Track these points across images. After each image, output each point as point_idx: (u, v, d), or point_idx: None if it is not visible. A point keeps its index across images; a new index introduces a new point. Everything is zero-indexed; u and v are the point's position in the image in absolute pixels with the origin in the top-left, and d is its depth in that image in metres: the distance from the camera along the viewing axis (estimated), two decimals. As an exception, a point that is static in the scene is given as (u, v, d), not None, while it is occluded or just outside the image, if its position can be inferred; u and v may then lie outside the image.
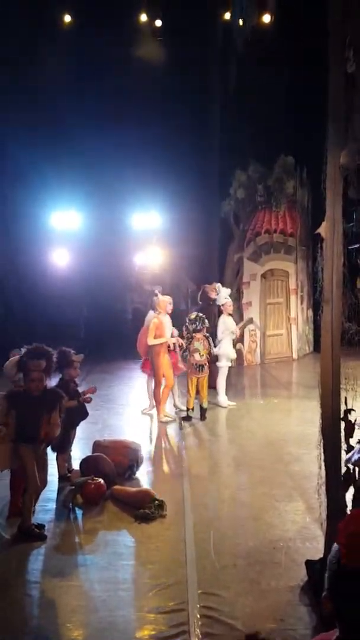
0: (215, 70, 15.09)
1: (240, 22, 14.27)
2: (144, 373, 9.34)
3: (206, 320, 8.85)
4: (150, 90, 14.78)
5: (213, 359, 9.42)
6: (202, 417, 8.75)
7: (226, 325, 9.59)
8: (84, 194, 14.83)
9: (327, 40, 4.03)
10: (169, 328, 8.97)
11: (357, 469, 3.88)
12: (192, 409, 8.78)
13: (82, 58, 14.36)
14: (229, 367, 9.81)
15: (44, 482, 5.10)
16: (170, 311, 9.12)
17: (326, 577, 1.58)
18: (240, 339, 13.34)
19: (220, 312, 9.79)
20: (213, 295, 10.02)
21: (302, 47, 11.98)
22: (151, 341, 8.71)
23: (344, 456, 4.03)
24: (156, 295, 9.40)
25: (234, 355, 9.75)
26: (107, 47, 14.16)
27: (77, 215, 15.48)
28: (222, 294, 9.77)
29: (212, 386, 9.28)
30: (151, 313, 9.11)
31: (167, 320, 8.97)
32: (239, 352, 13.27)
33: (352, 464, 3.41)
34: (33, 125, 13.41)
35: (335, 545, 1.58)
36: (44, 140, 13.60)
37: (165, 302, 9.10)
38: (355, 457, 3.03)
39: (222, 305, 9.68)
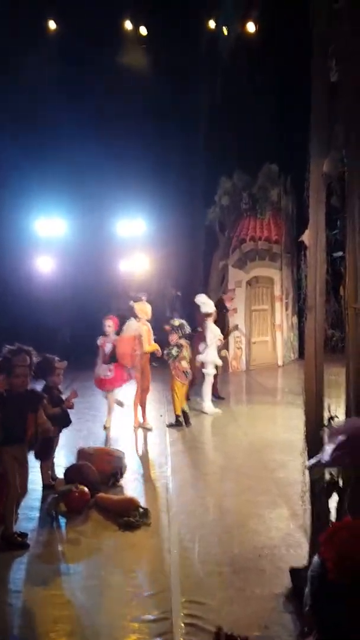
0: (200, 78, 15.20)
1: (225, 30, 14.40)
2: (110, 387, 8.64)
3: (187, 327, 8.90)
4: (136, 98, 14.83)
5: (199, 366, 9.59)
6: (188, 422, 8.77)
7: (213, 332, 9.63)
8: (68, 201, 14.81)
9: (311, 50, 4.08)
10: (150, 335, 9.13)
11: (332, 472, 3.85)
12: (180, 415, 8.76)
13: (67, 64, 14.37)
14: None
15: (24, 489, 5.06)
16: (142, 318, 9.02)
17: (307, 592, 1.52)
18: (225, 346, 13.37)
19: (204, 320, 9.81)
20: (229, 304, 10.31)
21: (286, 56, 12.08)
22: (148, 348, 8.81)
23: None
24: (132, 303, 9.46)
25: (219, 362, 9.77)
26: (92, 54, 14.19)
27: (61, 222, 15.45)
28: (209, 302, 9.80)
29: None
30: (133, 321, 8.91)
31: (135, 327, 8.88)
32: (224, 359, 13.30)
33: (323, 465, 3.36)
34: (17, 131, 13.38)
35: (316, 559, 1.51)
36: (28, 147, 13.57)
37: (147, 308, 9.18)
38: (326, 458, 2.99)
39: (209, 313, 9.71)
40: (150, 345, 8.90)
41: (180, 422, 8.72)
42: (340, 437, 2.86)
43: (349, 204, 3.85)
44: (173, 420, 8.80)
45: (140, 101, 14.92)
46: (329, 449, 2.86)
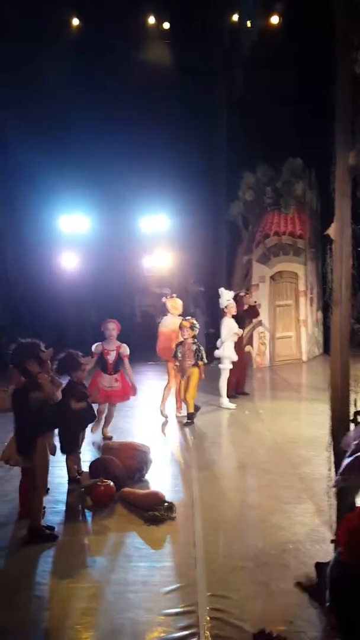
0: (223, 72, 15.15)
1: (248, 23, 14.32)
2: (118, 399, 7.99)
3: (198, 328, 8.82)
4: (159, 93, 14.83)
5: (216, 361, 9.84)
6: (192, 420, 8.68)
7: (229, 327, 9.63)
8: (91, 197, 14.87)
9: (335, 42, 4.04)
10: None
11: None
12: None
13: (90, 61, 14.42)
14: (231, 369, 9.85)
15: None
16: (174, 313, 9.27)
17: (328, 589, 1.54)
18: (249, 341, 13.34)
19: (223, 315, 9.80)
20: (250, 302, 10.45)
21: (310, 48, 11.97)
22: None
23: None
24: (164, 299, 9.53)
25: (235, 357, 9.76)
26: (115, 50, 14.23)
27: (85, 219, 15.54)
28: (224, 297, 9.79)
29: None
30: (169, 316, 9.25)
31: (174, 322, 9.14)
32: (247, 355, 13.28)
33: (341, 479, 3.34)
34: (41, 129, 13.47)
35: (332, 558, 1.55)
36: (52, 144, 13.67)
37: (179, 303, 9.34)
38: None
39: (225, 307, 9.71)
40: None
41: (193, 419, 8.63)
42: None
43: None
44: (187, 419, 8.70)
45: (163, 96, 14.91)
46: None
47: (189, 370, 8.57)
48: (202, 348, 8.66)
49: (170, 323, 9.16)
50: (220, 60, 15.20)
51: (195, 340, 8.67)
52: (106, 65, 14.28)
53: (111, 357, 7.76)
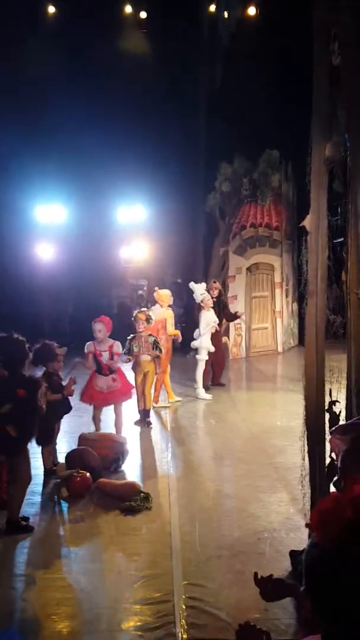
0: (200, 63, 15.11)
1: (226, 14, 14.28)
2: (121, 398, 7.40)
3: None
4: (135, 83, 14.74)
5: (192, 352, 9.98)
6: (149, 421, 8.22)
7: (207, 320, 9.68)
8: (68, 188, 14.77)
9: (313, 33, 4.05)
10: (168, 323, 9.24)
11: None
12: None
13: (66, 49, 14.28)
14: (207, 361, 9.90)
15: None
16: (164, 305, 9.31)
17: (303, 574, 1.57)
18: (225, 333, 13.40)
19: (200, 308, 9.83)
20: (213, 293, 10.31)
21: (288, 40, 12.00)
22: (171, 332, 9.18)
23: (328, 447, 4.06)
24: (156, 289, 9.55)
25: (212, 348, 9.81)
26: (92, 39, 14.09)
27: (62, 209, 15.42)
28: (197, 292, 9.83)
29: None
30: (157, 307, 9.24)
31: (160, 313, 9.16)
32: (224, 346, 13.34)
33: None
34: (16, 118, 13.30)
35: (308, 543, 1.58)
36: (28, 133, 13.52)
37: (168, 295, 9.40)
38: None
39: (202, 301, 9.74)
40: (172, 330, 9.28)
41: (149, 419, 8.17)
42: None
43: (351, 188, 3.85)
44: (143, 418, 8.14)
45: (140, 86, 14.83)
46: None
47: (145, 366, 8.06)
48: (158, 341, 8.23)
49: (159, 313, 9.09)
50: (198, 51, 15.14)
51: (150, 332, 8.20)
52: (83, 53, 14.14)
53: (104, 357, 7.18)
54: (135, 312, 8.38)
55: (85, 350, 7.25)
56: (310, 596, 1.55)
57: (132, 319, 8.30)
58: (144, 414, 8.16)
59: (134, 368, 8.16)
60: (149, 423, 8.10)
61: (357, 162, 3.77)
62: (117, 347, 7.34)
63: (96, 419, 7.28)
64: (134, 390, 7.68)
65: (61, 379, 6.43)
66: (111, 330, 7.30)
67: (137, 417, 8.19)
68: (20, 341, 5.00)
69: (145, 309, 8.54)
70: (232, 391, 10.65)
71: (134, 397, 7.85)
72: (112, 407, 7.37)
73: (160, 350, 8.22)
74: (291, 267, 14.92)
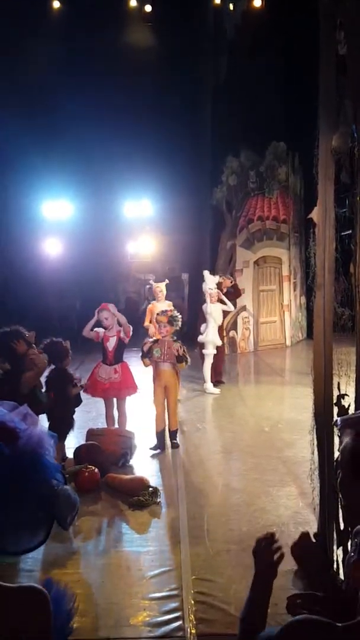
0: (206, 56, 15.01)
1: (231, 6, 14.19)
2: (115, 394, 7.14)
3: (180, 322, 7.12)
4: (141, 77, 14.67)
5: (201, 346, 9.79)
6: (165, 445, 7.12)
7: (215, 312, 9.65)
8: (75, 183, 14.75)
9: (318, 23, 3.99)
10: None
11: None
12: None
13: (72, 44, 14.23)
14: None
15: None
16: (160, 298, 9.02)
17: (356, 545, 1.64)
18: (233, 326, 13.37)
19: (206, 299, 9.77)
20: (228, 284, 10.27)
21: (293, 31, 11.90)
22: (146, 324, 8.88)
23: (337, 441, 4.03)
24: (154, 284, 9.34)
25: (219, 342, 9.77)
26: (97, 33, 14.03)
27: (68, 205, 15.40)
28: (209, 281, 9.76)
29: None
30: (157, 302, 9.07)
31: (160, 307, 8.75)
32: (232, 340, 13.32)
33: None
34: (23, 114, 13.28)
35: None
36: (34, 129, 13.49)
37: (156, 289, 9.08)
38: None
39: (210, 293, 9.68)
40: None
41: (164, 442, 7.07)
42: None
43: (359, 179, 3.80)
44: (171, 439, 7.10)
45: (146, 80, 14.76)
46: None
47: (166, 377, 6.92)
48: (184, 348, 6.98)
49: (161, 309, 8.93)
50: (204, 44, 15.06)
51: (175, 338, 7.03)
52: (89, 48, 14.09)
53: (111, 343, 6.99)
54: (156, 313, 7.58)
55: (94, 336, 7.07)
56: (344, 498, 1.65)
57: (141, 317, 8.13)
58: (171, 435, 7.04)
59: (153, 379, 7.12)
60: (176, 444, 6.96)
61: (364, 153, 3.72)
62: (124, 333, 7.04)
63: (108, 415, 7.17)
64: (137, 386, 7.19)
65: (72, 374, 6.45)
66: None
67: (154, 440, 7.02)
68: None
69: (168, 308, 7.69)
70: (240, 385, 10.62)
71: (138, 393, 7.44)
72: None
73: (187, 361, 6.95)
74: (299, 260, 14.86)
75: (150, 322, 8.54)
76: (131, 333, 7.13)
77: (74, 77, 13.92)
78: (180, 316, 7.11)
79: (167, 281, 9.35)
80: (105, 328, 7.05)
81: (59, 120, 13.87)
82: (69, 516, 4.16)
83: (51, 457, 3.72)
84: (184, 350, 6.89)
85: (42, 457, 3.57)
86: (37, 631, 1.84)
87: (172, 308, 7.95)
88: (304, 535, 2.21)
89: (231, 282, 10.94)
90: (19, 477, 3.57)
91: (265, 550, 2.06)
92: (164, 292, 9.07)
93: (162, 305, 8.86)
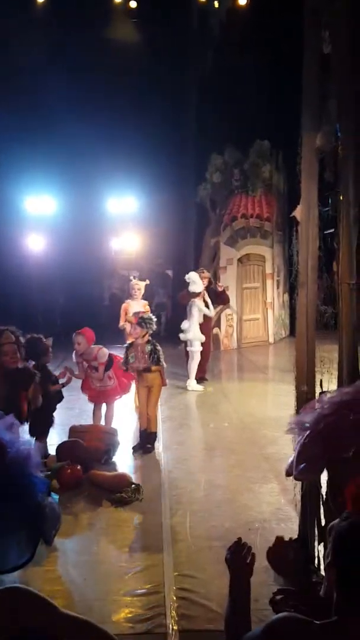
0: (191, 53, 15.00)
1: (216, 4, 14.19)
2: (116, 396, 7.19)
3: (154, 324, 6.89)
4: (126, 73, 14.61)
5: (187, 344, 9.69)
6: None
7: (200, 310, 9.66)
8: (58, 178, 14.63)
9: (303, 22, 4.01)
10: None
11: None
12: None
13: (56, 40, 14.12)
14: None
15: None
16: (137, 296, 8.73)
17: (329, 548, 1.70)
18: (216, 324, 13.40)
19: (191, 297, 9.71)
20: (204, 283, 9.96)
21: (279, 29, 11.93)
22: (121, 324, 8.53)
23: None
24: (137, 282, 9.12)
25: (203, 337, 9.78)
26: (81, 28, 13.94)
27: (51, 200, 15.30)
28: (199, 282, 9.73)
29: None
30: (134, 301, 8.80)
31: (135, 305, 8.51)
32: (215, 337, 13.34)
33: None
34: (5, 109, 13.16)
35: (340, 517, 1.73)
36: (16, 124, 13.36)
37: (134, 285, 8.85)
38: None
39: (197, 292, 9.66)
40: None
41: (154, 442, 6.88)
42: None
43: (342, 178, 3.83)
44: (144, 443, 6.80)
45: (130, 76, 14.70)
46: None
47: (149, 379, 6.74)
48: (159, 348, 6.73)
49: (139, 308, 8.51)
50: (189, 41, 15.03)
51: (149, 338, 6.74)
52: (73, 43, 13.99)
53: (93, 366, 6.86)
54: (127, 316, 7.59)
55: (74, 360, 6.94)
56: (338, 567, 1.65)
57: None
58: (147, 437, 6.79)
59: (136, 379, 6.95)
60: (150, 449, 6.70)
61: (348, 152, 3.75)
62: (102, 355, 6.78)
63: (95, 417, 7.13)
64: (130, 386, 7.16)
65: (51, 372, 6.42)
66: (94, 340, 6.84)
67: (137, 440, 6.94)
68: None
69: (141, 310, 7.64)
70: (223, 382, 10.65)
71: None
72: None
73: (158, 362, 6.69)
74: (282, 258, 14.92)
75: (126, 321, 8.12)
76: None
77: (58, 72, 13.80)
78: (154, 318, 6.89)
79: (148, 281, 9.20)
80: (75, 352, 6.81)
81: (42, 115, 13.76)
82: (53, 530, 4.14)
83: (37, 468, 3.71)
84: (152, 349, 6.62)
85: (29, 473, 3.55)
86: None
87: (147, 309, 7.92)
88: (278, 540, 2.27)
89: (221, 288, 10.88)
90: (5, 495, 3.56)
91: (236, 555, 2.09)
92: (142, 290, 8.82)
93: (136, 304, 8.60)
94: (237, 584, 2.08)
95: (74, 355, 6.92)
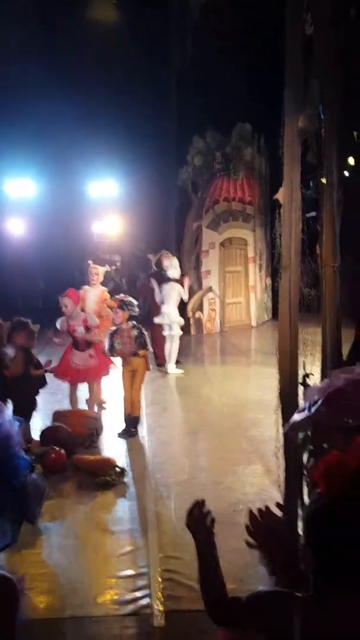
0: (171, 35, 14.85)
1: (197, -15, 14.04)
2: (97, 376, 7.23)
3: (136, 307, 6.88)
4: (106, 55, 14.44)
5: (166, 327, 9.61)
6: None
7: (178, 291, 9.70)
8: (38, 161, 14.47)
9: (285, 3, 3.97)
10: (91, 301, 8.26)
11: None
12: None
13: (35, 20, 13.89)
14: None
15: None
16: (94, 282, 8.50)
17: (305, 528, 1.70)
18: (199, 307, 13.42)
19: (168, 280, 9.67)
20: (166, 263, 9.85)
21: (260, 11, 11.83)
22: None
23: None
24: (94, 266, 8.89)
25: (182, 321, 9.81)
26: (60, 11, 13.74)
27: (32, 184, 15.14)
28: (175, 266, 9.72)
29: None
30: (92, 287, 8.60)
31: (92, 292, 8.35)
32: (198, 321, 13.36)
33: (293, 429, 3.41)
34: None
35: (311, 499, 1.71)
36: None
37: (92, 270, 8.59)
38: (297, 418, 3.06)
39: (175, 278, 9.63)
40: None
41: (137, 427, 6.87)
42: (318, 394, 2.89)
43: (326, 160, 3.82)
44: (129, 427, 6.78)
45: (111, 58, 14.53)
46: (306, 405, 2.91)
47: (134, 363, 6.70)
48: (144, 332, 6.78)
49: (96, 295, 8.32)
50: (169, 23, 14.87)
51: (134, 323, 6.72)
52: (52, 25, 13.79)
53: (79, 332, 6.89)
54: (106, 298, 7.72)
55: (59, 327, 7.01)
56: (312, 548, 1.66)
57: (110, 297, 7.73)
58: (131, 421, 6.77)
59: (122, 363, 6.88)
60: (134, 433, 6.71)
61: (331, 134, 3.75)
62: (92, 319, 6.98)
63: (72, 399, 7.12)
64: (112, 366, 7.23)
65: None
66: (79, 302, 7.05)
67: (123, 425, 6.84)
68: None
69: (121, 294, 7.47)
70: (206, 365, 10.68)
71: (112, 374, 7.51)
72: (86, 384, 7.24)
73: (145, 347, 6.74)
74: (264, 241, 14.93)
75: (107, 306, 7.99)
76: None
77: (37, 54, 13.63)
78: (134, 301, 6.86)
79: (108, 267, 8.99)
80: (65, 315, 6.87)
81: (22, 97, 13.56)
82: (38, 507, 4.14)
83: (19, 447, 3.68)
84: (139, 334, 6.62)
85: (11, 451, 3.52)
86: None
87: (105, 296, 7.90)
88: (252, 515, 2.26)
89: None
90: None
91: (197, 518, 2.12)
92: (100, 276, 8.57)
93: (95, 290, 8.40)
94: (203, 546, 2.12)
95: (59, 323, 6.95)
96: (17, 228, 15.00)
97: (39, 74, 13.12)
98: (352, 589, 1.63)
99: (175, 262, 9.78)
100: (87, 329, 6.93)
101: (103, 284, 8.98)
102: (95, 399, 7.24)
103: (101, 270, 8.69)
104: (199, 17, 14.35)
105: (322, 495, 1.69)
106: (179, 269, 9.75)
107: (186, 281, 10.01)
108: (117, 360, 7.04)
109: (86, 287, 8.49)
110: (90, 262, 8.77)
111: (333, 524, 1.63)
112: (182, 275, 10.12)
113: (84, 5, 14.62)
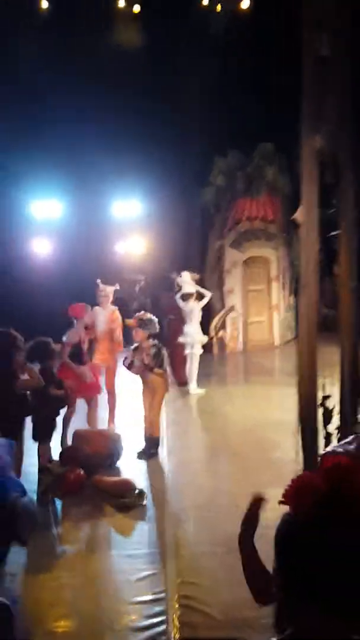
0: (194, 56, 14.99)
1: (219, 7, 14.20)
2: (94, 393, 7.27)
3: (156, 325, 6.86)
4: (130, 77, 14.62)
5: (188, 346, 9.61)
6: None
7: (198, 309, 9.76)
8: (64, 183, 14.66)
9: (302, 24, 3.99)
10: (100, 322, 7.85)
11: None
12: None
13: (60, 43, 14.14)
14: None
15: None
16: (102, 302, 8.03)
17: (275, 550, 1.63)
18: (222, 326, 13.38)
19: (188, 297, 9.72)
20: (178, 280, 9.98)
21: (281, 32, 11.89)
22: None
23: (321, 443, 4.02)
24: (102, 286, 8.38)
25: (205, 339, 9.80)
26: (85, 32, 13.96)
27: (57, 205, 15.32)
28: (191, 282, 9.75)
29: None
30: (102, 309, 8.11)
31: (102, 314, 7.96)
32: (221, 340, 13.32)
33: None
34: (10, 113, 13.19)
35: (280, 520, 1.62)
36: (23, 128, 13.41)
37: (100, 292, 8.15)
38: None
39: (190, 293, 9.66)
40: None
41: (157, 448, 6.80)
42: None
43: (342, 180, 3.80)
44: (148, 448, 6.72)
45: (135, 80, 14.71)
46: None
47: (153, 383, 6.66)
48: (163, 351, 6.74)
49: (106, 317, 7.93)
50: (192, 45, 15.03)
51: (154, 341, 6.69)
52: (78, 48, 14.01)
53: (86, 345, 7.05)
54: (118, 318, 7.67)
55: (65, 340, 7.00)
56: (281, 571, 1.58)
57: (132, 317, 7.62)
58: (150, 442, 6.68)
59: (142, 384, 6.86)
60: (154, 454, 6.63)
61: (347, 154, 3.72)
62: (118, 316, 7.48)
63: (92, 419, 7.14)
64: (102, 388, 7.28)
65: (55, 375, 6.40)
66: (84, 309, 7.27)
67: (143, 446, 6.76)
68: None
69: (142, 312, 7.31)
70: (228, 385, 10.61)
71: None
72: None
73: (162, 366, 6.65)
74: (287, 260, 14.87)
75: (127, 325, 7.67)
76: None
77: (63, 76, 13.84)
78: (153, 319, 6.77)
79: (117, 286, 8.51)
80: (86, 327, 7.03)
81: (48, 119, 13.78)
82: (28, 529, 4.06)
83: (9, 467, 3.64)
84: (157, 352, 6.55)
85: None
86: None
87: (115, 316, 7.72)
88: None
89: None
90: None
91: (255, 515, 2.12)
92: (110, 297, 8.10)
93: (104, 312, 7.97)
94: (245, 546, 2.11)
95: (67, 337, 7.01)
96: (43, 248, 15.16)
97: (63, 96, 13.33)
98: (324, 611, 1.56)
99: (186, 276, 9.80)
100: (90, 341, 7.04)
101: (125, 303, 8.96)
102: (94, 418, 7.17)
103: (109, 289, 8.28)
104: (221, 38, 14.49)
105: (291, 515, 1.63)
106: (191, 281, 9.75)
107: (207, 295, 10.04)
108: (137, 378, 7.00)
109: (97, 308, 8.03)
110: (98, 281, 8.39)
111: (302, 545, 1.58)
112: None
113: (108, 28, 14.86)
